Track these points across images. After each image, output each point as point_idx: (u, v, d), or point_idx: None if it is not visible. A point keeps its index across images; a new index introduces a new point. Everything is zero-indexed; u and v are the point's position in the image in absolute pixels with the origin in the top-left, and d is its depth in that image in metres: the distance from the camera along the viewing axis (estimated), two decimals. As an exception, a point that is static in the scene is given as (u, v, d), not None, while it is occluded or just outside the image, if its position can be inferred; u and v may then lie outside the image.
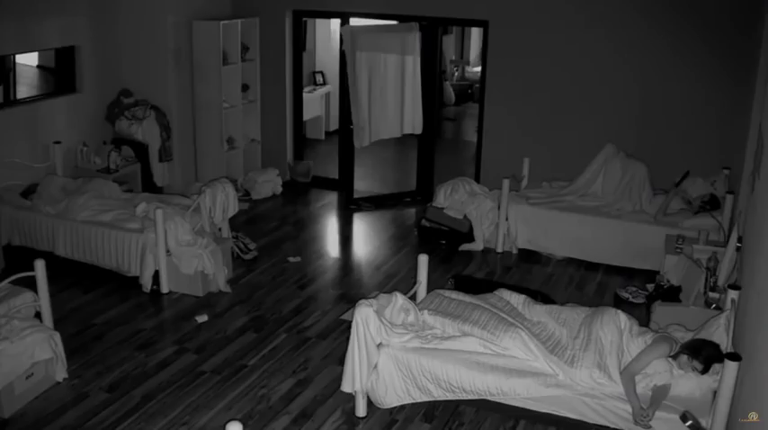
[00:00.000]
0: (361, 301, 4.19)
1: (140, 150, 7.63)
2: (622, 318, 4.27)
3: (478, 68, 9.33)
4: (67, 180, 6.66)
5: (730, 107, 6.70)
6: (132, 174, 7.52)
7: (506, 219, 6.83)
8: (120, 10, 7.59)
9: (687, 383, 3.91)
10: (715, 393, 3.68)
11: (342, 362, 4.42)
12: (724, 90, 6.77)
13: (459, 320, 4.34)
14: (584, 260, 6.69)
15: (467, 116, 12.90)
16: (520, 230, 6.82)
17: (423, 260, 4.83)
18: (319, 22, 10.62)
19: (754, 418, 2.86)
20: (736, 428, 3.33)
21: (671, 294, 5.27)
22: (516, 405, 4.11)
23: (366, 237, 7.64)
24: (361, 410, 4.34)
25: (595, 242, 6.56)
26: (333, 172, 8.86)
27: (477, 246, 6.96)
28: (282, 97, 8.58)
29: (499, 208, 6.83)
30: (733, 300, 4.05)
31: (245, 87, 8.39)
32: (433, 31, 8.19)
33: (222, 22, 7.79)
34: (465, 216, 6.98)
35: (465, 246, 6.97)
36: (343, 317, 5.59)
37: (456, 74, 14.02)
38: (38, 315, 4.74)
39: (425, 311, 4.47)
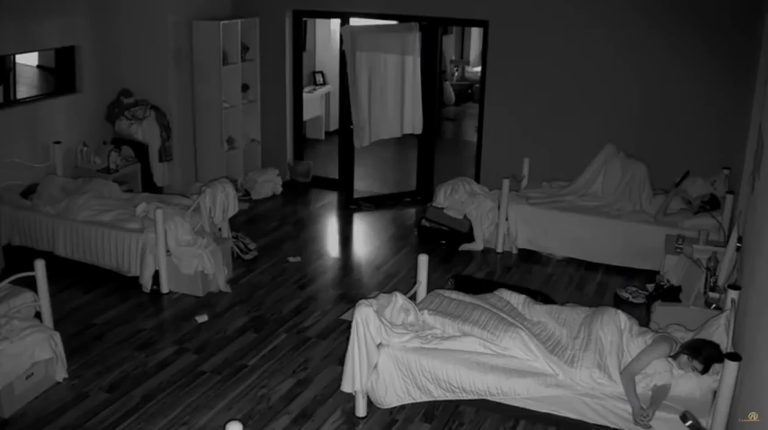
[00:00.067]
0: (361, 301, 4.19)
1: (140, 150, 7.63)
2: (622, 318, 4.27)
3: (478, 68, 9.33)
4: (67, 180, 6.66)
5: (730, 107, 6.70)
6: (132, 174, 7.52)
7: (506, 219, 6.83)
8: (120, 10, 7.59)
9: (687, 383, 3.91)
10: (715, 393, 3.68)
11: (342, 362, 4.42)
12: (724, 90, 6.77)
13: (460, 320, 4.34)
14: (584, 260, 6.69)
15: (467, 116, 12.90)
16: (520, 230, 6.82)
17: (423, 260, 4.83)
18: (319, 22, 10.62)
19: (754, 418, 2.86)
20: (736, 428, 3.33)
21: (671, 294, 5.27)
22: (516, 405, 4.11)
23: (366, 237, 7.64)
24: (361, 410, 4.34)
25: (595, 242, 6.56)
26: (333, 172, 8.86)
27: (477, 246, 6.96)
28: (282, 97, 8.58)
29: (499, 208, 6.83)
30: (733, 300, 4.05)
31: (245, 87, 8.39)
32: (433, 31, 8.19)
33: (222, 22, 7.80)
34: (465, 216, 6.98)
35: (465, 246, 6.97)
36: (343, 317, 5.59)
37: (456, 74, 14.02)
38: (38, 315, 4.74)
39: (425, 311, 4.47)
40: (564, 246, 6.73)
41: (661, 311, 4.99)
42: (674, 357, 3.96)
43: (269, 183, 8.39)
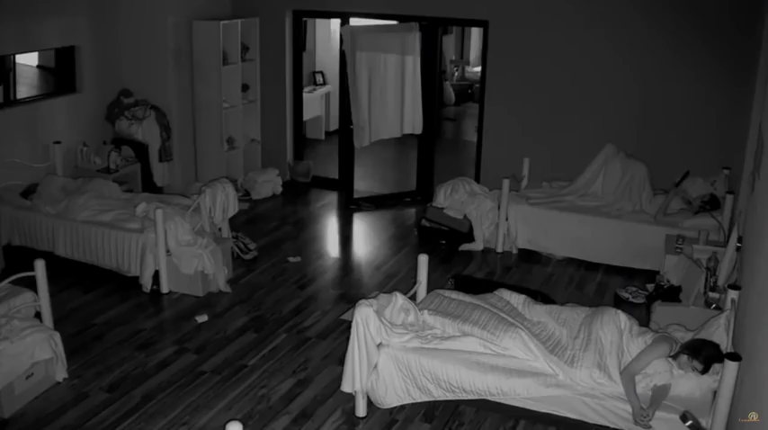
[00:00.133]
0: (361, 301, 4.19)
1: (140, 150, 7.63)
2: (622, 318, 4.27)
3: (478, 68, 9.33)
4: (67, 180, 6.66)
5: (730, 107, 6.70)
6: (132, 174, 7.52)
7: (506, 219, 6.83)
8: (120, 10, 7.59)
9: (687, 383, 3.91)
10: (715, 393, 3.68)
11: (342, 362, 4.42)
12: (724, 90, 6.77)
13: (460, 320, 4.34)
14: (584, 260, 6.69)
15: (467, 116, 12.90)
16: (520, 230, 6.82)
17: (423, 260, 4.83)
18: (319, 22, 10.62)
19: (754, 418, 2.86)
20: (736, 428, 3.33)
21: (671, 294, 5.27)
22: (516, 405, 4.11)
23: (366, 237, 7.64)
24: (361, 410, 4.34)
25: (595, 242, 6.56)
26: (333, 172, 8.86)
27: (477, 246, 6.96)
28: (282, 97, 8.58)
29: (499, 208, 6.83)
30: (733, 300, 4.05)
31: (245, 87, 8.39)
32: (433, 31, 8.19)
33: (222, 22, 7.80)
34: (465, 216, 6.98)
35: (465, 246, 6.97)
36: (343, 317, 5.59)
37: (456, 74, 14.02)
38: (38, 315, 4.74)
39: (425, 311, 4.47)
40: (564, 246, 6.73)
41: (661, 311, 4.99)
42: (674, 357, 3.96)
43: (269, 183, 8.39)
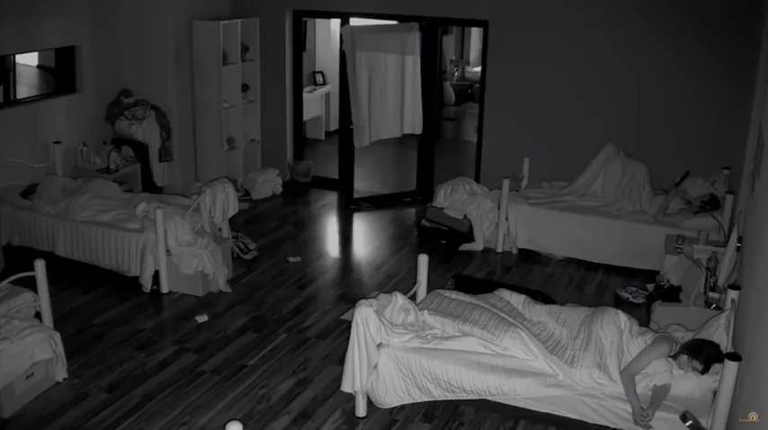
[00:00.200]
0: (361, 301, 4.19)
1: (140, 150, 7.63)
2: (622, 318, 4.27)
3: (478, 68, 9.33)
4: (67, 180, 6.66)
5: (730, 107, 6.70)
6: (132, 174, 7.52)
7: (506, 219, 6.83)
8: (120, 10, 7.59)
9: (687, 383, 3.91)
10: (715, 393, 3.68)
11: (342, 362, 4.42)
12: (724, 90, 6.77)
13: (460, 320, 4.34)
14: (584, 260, 6.69)
15: (467, 116, 12.90)
16: (520, 230, 6.82)
17: (423, 260, 4.83)
18: (319, 22, 10.62)
19: (754, 418, 2.86)
20: (736, 428, 3.33)
21: (671, 294, 5.27)
22: (516, 405, 4.11)
23: (366, 237, 7.64)
24: (361, 410, 4.34)
25: (595, 242, 6.56)
26: (333, 172, 8.86)
27: (477, 246, 6.96)
28: (282, 97, 8.58)
29: (499, 208, 6.83)
30: (733, 300, 4.05)
31: (245, 87, 8.39)
32: (433, 31, 8.19)
33: (222, 22, 7.80)
34: (465, 216, 6.98)
35: (465, 246, 6.97)
36: (343, 317, 5.59)
37: (456, 74, 14.02)
38: (38, 315, 4.74)
39: (425, 311, 4.47)
40: (564, 246, 6.73)
41: (661, 311, 4.99)
42: (674, 357, 3.96)
43: (269, 183, 8.39)
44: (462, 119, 13.00)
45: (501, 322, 4.30)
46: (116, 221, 6.00)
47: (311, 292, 6.05)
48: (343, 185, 8.44)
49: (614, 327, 4.19)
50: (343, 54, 7.76)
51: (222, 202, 6.22)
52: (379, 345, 4.25)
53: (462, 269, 6.57)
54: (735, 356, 3.47)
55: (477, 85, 9.76)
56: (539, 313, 4.61)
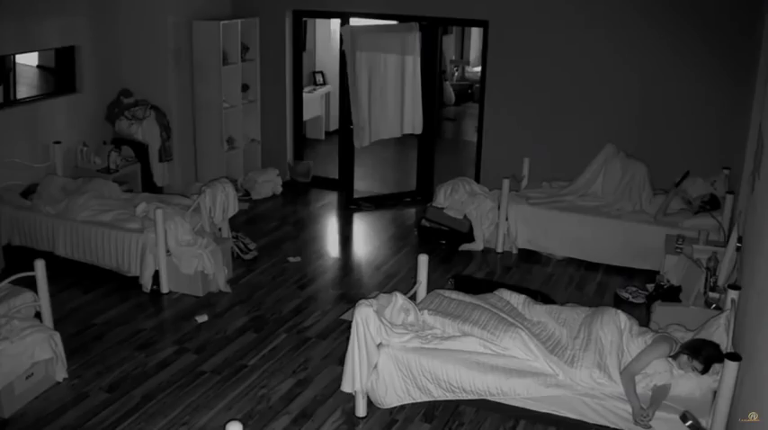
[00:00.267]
0: (361, 301, 4.19)
1: (140, 150, 7.63)
2: (622, 318, 4.27)
3: (478, 68, 9.33)
4: (67, 180, 6.66)
5: (730, 107, 6.70)
6: (132, 174, 7.52)
7: (506, 219, 6.83)
8: (120, 10, 7.59)
9: (687, 383, 3.91)
10: (715, 393, 3.68)
11: (342, 362, 4.42)
12: (724, 90, 6.77)
13: (460, 320, 4.34)
14: (584, 260, 6.69)
15: (467, 116, 12.90)
16: (520, 230, 6.82)
17: (423, 260, 4.83)
18: (319, 22, 10.62)
19: (754, 418, 2.86)
20: (736, 428, 3.33)
21: (671, 294, 5.27)
22: (516, 405, 4.11)
23: (366, 237, 7.64)
24: (361, 410, 4.34)
25: (595, 242, 6.56)
26: (333, 172, 8.86)
27: (477, 246, 6.96)
28: (282, 97, 8.58)
29: (499, 208, 6.83)
30: (733, 300, 4.05)
31: (245, 87, 8.39)
32: (433, 31, 8.19)
33: (222, 22, 7.80)
34: (465, 216, 6.98)
35: (465, 246, 6.97)
36: (343, 317, 5.59)
37: (456, 74, 14.02)
38: (38, 315, 4.74)
39: (425, 311, 4.47)
40: (564, 246, 6.73)
41: (661, 311, 4.99)
42: (674, 357, 3.96)
43: (269, 183, 8.39)
44: (462, 119, 13.00)
45: (501, 322, 4.30)
46: (116, 221, 6.00)
47: (311, 292, 6.05)
48: (343, 185, 8.44)
49: (614, 327, 4.19)
50: (343, 54, 7.76)
51: (222, 202, 6.22)
52: (379, 345, 4.25)
53: (462, 269, 6.57)
54: (735, 356, 3.47)
55: (477, 85, 9.76)
56: (539, 313, 4.61)
